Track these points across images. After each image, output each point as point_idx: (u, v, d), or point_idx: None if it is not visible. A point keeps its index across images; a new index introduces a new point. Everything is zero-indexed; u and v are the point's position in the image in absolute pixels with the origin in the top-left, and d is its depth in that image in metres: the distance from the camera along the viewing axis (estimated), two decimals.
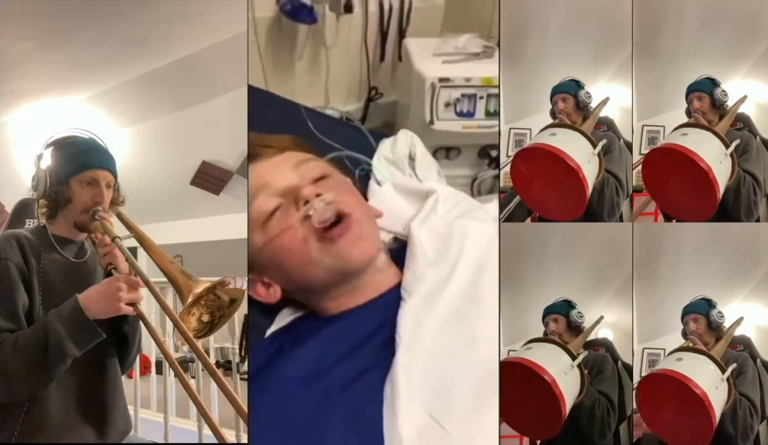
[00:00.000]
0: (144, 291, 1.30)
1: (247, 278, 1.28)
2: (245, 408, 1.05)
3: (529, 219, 1.55)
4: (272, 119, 1.57)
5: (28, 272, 1.30)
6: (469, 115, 1.68)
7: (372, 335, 1.16)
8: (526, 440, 1.50)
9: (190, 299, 1.20)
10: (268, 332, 1.30)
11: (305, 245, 1.20)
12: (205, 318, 1.25)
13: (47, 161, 1.40)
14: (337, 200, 1.22)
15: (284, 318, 1.31)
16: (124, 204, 1.44)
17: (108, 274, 1.34)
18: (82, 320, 1.23)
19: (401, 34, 2.00)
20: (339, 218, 1.22)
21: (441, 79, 1.67)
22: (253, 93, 1.71)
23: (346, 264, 1.21)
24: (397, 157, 1.57)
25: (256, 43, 1.93)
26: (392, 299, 1.20)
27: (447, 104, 1.68)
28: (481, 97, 1.66)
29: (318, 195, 1.21)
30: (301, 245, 1.20)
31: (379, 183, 1.52)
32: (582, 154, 1.47)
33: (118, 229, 1.36)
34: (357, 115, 2.03)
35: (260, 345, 1.25)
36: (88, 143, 1.42)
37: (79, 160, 1.38)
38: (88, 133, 1.44)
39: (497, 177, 1.64)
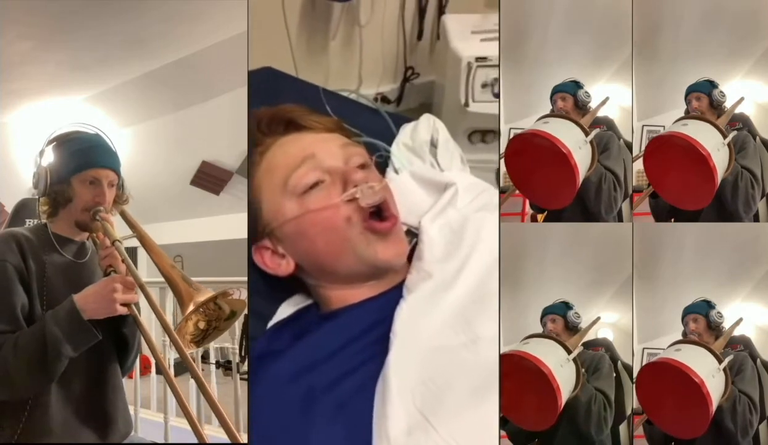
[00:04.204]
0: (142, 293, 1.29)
1: (247, 283, 1.27)
2: (226, 417, 1.03)
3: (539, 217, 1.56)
4: (289, 102, 1.43)
5: (27, 273, 1.28)
6: None
7: (365, 333, 1.14)
8: None
9: (191, 308, 1.17)
10: (270, 323, 1.27)
11: (348, 226, 1.18)
12: (202, 325, 1.22)
13: (49, 158, 1.35)
14: (385, 191, 1.21)
15: (286, 310, 1.28)
16: (128, 203, 1.40)
17: (107, 275, 1.32)
18: (77, 321, 1.22)
19: (441, 10, 1.89)
20: (383, 213, 1.20)
21: (478, 58, 1.57)
22: (269, 75, 1.60)
23: (378, 261, 1.19)
24: (417, 144, 1.47)
25: (284, 26, 1.82)
26: (393, 297, 1.17)
27: (484, 85, 1.58)
28: None
29: (366, 182, 1.20)
30: (344, 223, 1.18)
31: (396, 171, 1.43)
32: (573, 141, 1.46)
33: (119, 229, 1.34)
34: (392, 96, 1.93)
35: (262, 337, 1.23)
36: (91, 140, 1.38)
37: (81, 158, 1.34)
38: (93, 128, 1.39)
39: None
